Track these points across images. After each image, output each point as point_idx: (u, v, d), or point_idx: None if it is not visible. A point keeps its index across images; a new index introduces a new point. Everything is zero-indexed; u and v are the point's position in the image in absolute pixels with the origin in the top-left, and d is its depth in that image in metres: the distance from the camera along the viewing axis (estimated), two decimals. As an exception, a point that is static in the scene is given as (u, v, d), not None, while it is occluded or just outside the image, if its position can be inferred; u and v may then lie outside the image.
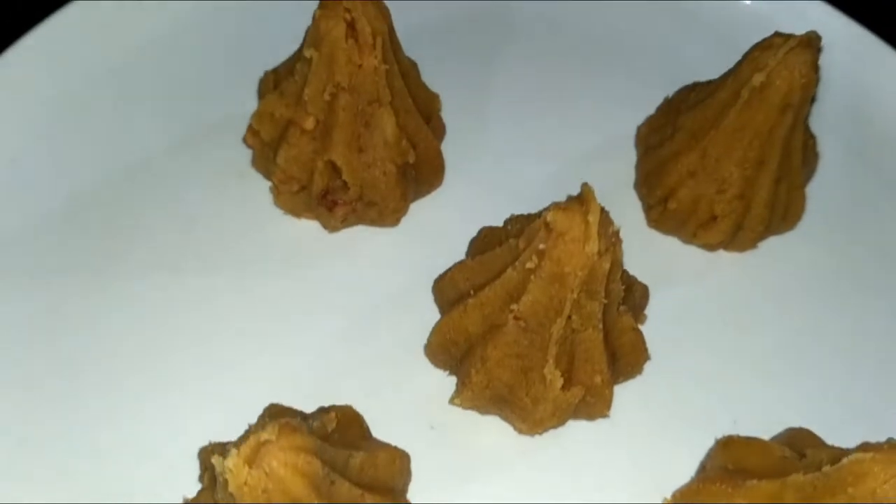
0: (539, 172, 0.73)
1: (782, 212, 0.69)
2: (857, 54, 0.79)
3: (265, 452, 0.42)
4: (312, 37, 0.60)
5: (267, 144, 0.66)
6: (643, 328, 0.63)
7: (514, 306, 0.54)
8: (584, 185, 0.53)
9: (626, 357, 0.60)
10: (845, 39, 0.80)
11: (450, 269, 0.62)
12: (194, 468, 0.56)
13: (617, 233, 0.53)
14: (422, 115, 0.66)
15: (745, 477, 0.54)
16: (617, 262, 0.53)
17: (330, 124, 0.62)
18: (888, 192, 0.75)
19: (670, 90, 0.75)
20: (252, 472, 0.42)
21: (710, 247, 0.70)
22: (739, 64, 0.64)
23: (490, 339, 0.57)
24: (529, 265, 0.53)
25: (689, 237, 0.69)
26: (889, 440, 0.50)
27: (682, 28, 0.83)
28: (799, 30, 0.76)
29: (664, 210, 0.68)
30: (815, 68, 0.61)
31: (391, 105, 0.62)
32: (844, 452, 0.50)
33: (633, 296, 0.61)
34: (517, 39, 0.81)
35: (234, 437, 0.54)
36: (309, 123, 0.62)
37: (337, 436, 0.51)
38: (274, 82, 0.67)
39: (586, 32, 0.82)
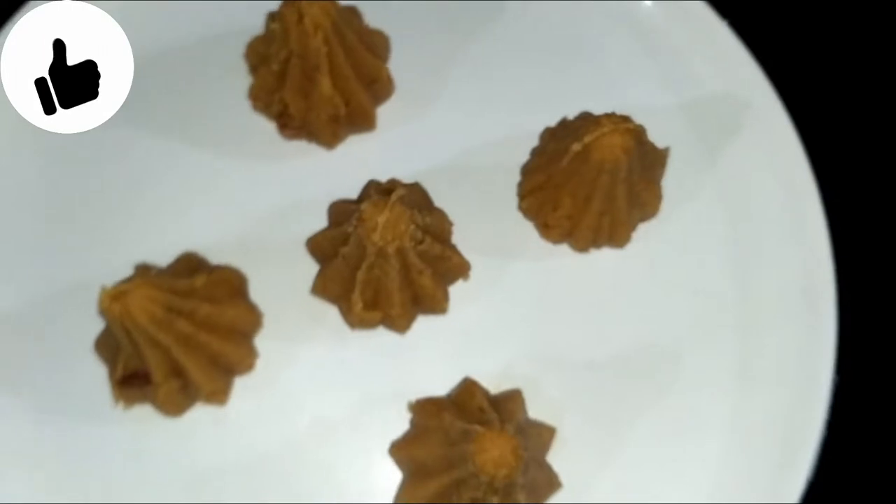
0: (460, 139, 0.93)
1: (607, 236, 0.87)
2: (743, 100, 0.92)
3: (124, 296, 0.71)
4: (277, 15, 0.82)
5: (252, 67, 0.90)
6: (465, 282, 0.87)
7: (342, 249, 0.79)
8: (396, 189, 0.75)
9: (425, 302, 0.84)
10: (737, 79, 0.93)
11: (337, 202, 0.86)
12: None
13: (410, 231, 0.75)
14: (363, 79, 0.88)
15: (450, 410, 0.78)
16: (405, 249, 0.76)
17: (285, 74, 0.85)
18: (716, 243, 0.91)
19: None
20: (113, 305, 0.71)
21: (552, 241, 0.90)
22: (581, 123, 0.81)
23: (330, 262, 0.82)
24: (349, 230, 0.77)
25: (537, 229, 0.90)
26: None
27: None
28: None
29: (520, 205, 0.89)
30: (627, 152, 0.77)
31: (329, 73, 0.84)
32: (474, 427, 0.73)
33: (447, 265, 0.83)
34: (495, 26, 0.97)
35: (163, 262, 0.85)
36: (274, 66, 0.85)
37: (203, 291, 0.79)
38: (269, 22, 0.89)
39: (559, 29, 0.98)
